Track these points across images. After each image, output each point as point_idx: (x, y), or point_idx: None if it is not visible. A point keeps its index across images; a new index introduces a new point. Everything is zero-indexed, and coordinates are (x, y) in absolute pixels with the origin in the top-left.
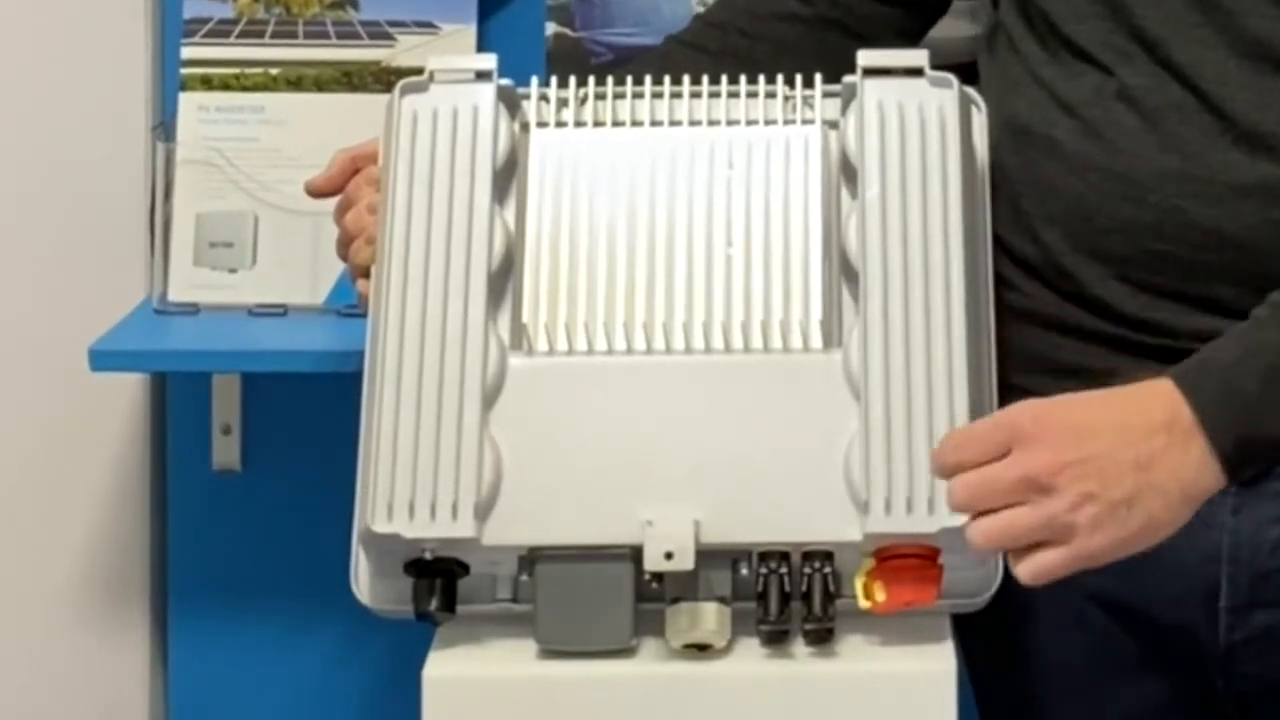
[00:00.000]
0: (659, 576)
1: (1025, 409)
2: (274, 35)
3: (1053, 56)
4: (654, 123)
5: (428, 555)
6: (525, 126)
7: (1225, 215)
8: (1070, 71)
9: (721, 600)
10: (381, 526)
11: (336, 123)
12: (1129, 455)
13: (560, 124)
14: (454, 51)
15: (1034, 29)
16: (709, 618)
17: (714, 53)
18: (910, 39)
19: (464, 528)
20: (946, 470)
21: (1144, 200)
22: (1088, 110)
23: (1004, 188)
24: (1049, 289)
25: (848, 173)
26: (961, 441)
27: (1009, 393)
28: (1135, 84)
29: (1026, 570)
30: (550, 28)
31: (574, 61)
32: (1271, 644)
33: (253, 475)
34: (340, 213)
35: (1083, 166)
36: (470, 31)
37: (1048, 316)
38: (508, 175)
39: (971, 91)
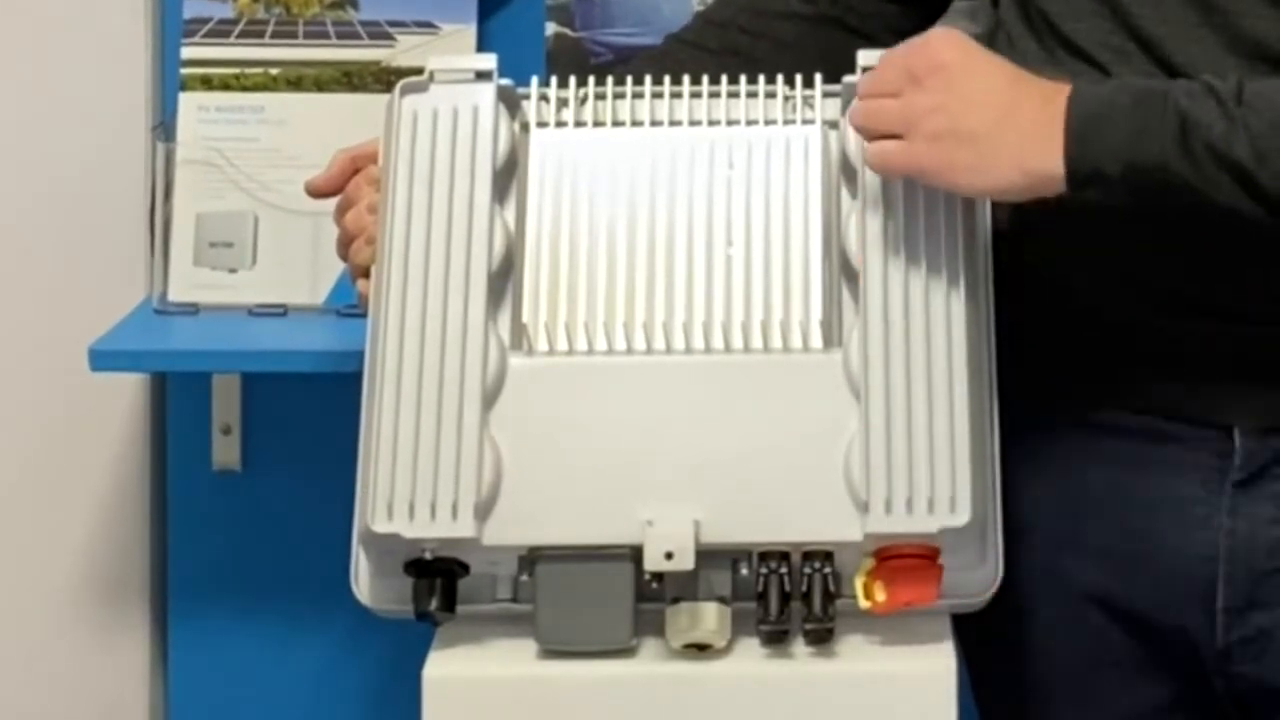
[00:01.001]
0: (659, 576)
1: (944, 29)
2: (274, 35)
3: (1051, 56)
4: (654, 123)
5: (428, 555)
6: (525, 126)
7: None
8: (1068, 71)
9: (721, 600)
10: (381, 526)
11: (336, 123)
12: (997, 100)
13: (560, 124)
14: (454, 51)
15: (1033, 28)
16: (709, 618)
17: (715, 51)
18: (910, 38)
19: (464, 528)
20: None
21: None
22: None
23: None
24: (1043, 291)
25: (848, 173)
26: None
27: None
28: None
29: (869, 152)
30: (550, 28)
31: (574, 61)
32: (1269, 644)
33: (253, 475)
34: (340, 213)
35: None
36: (470, 31)
37: (1046, 317)
38: (508, 175)
39: None
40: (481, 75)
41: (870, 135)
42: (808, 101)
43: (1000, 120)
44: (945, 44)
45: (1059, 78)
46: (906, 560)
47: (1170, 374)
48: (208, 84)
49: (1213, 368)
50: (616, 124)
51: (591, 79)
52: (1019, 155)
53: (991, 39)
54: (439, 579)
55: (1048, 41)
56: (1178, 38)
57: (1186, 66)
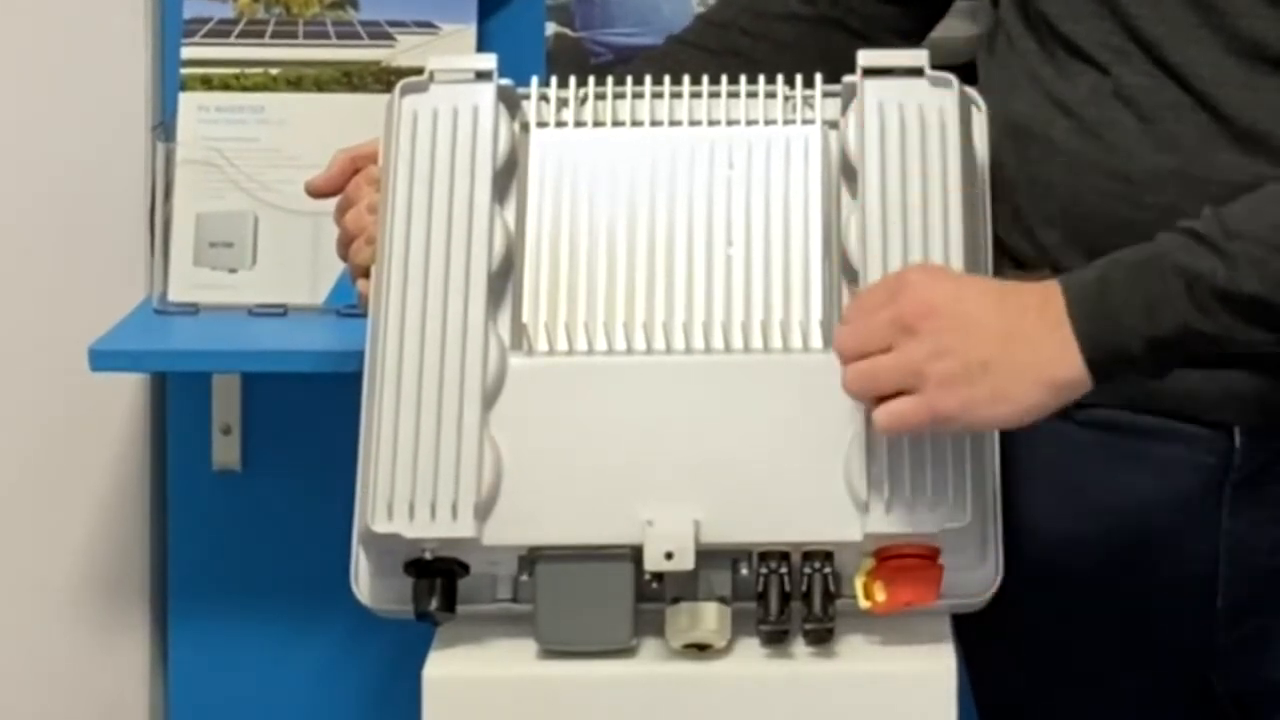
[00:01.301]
0: (659, 576)
1: (903, 272)
2: (274, 35)
3: (1050, 56)
4: (654, 123)
5: (428, 555)
6: (525, 126)
7: None
8: (1067, 71)
9: (721, 600)
10: (381, 526)
11: (336, 123)
12: (996, 323)
13: (560, 124)
14: (454, 51)
15: (1032, 28)
16: (709, 618)
17: (715, 52)
18: (911, 39)
19: (464, 528)
20: (841, 346)
21: (1141, 200)
22: (1085, 110)
23: (1002, 187)
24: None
25: (848, 173)
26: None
27: None
28: (1132, 84)
29: (881, 415)
30: (550, 28)
31: (574, 61)
32: (1269, 644)
33: (253, 475)
34: (340, 213)
35: (1080, 166)
36: (470, 31)
37: None
38: (508, 175)
39: (971, 91)
40: (481, 75)
41: (872, 397)
42: (808, 101)
43: (1006, 342)
44: (926, 284)
45: (1058, 78)
46: (906, 560)
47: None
48: (208, 84)
49: (1212, 368)
50: (616, 124)
51: (591, 79)
52: (1037, 371)
53: (991, 39)
54: (439, 579)
55: (1047, 42)
56: (1177, 38)
57: (1185, 67)
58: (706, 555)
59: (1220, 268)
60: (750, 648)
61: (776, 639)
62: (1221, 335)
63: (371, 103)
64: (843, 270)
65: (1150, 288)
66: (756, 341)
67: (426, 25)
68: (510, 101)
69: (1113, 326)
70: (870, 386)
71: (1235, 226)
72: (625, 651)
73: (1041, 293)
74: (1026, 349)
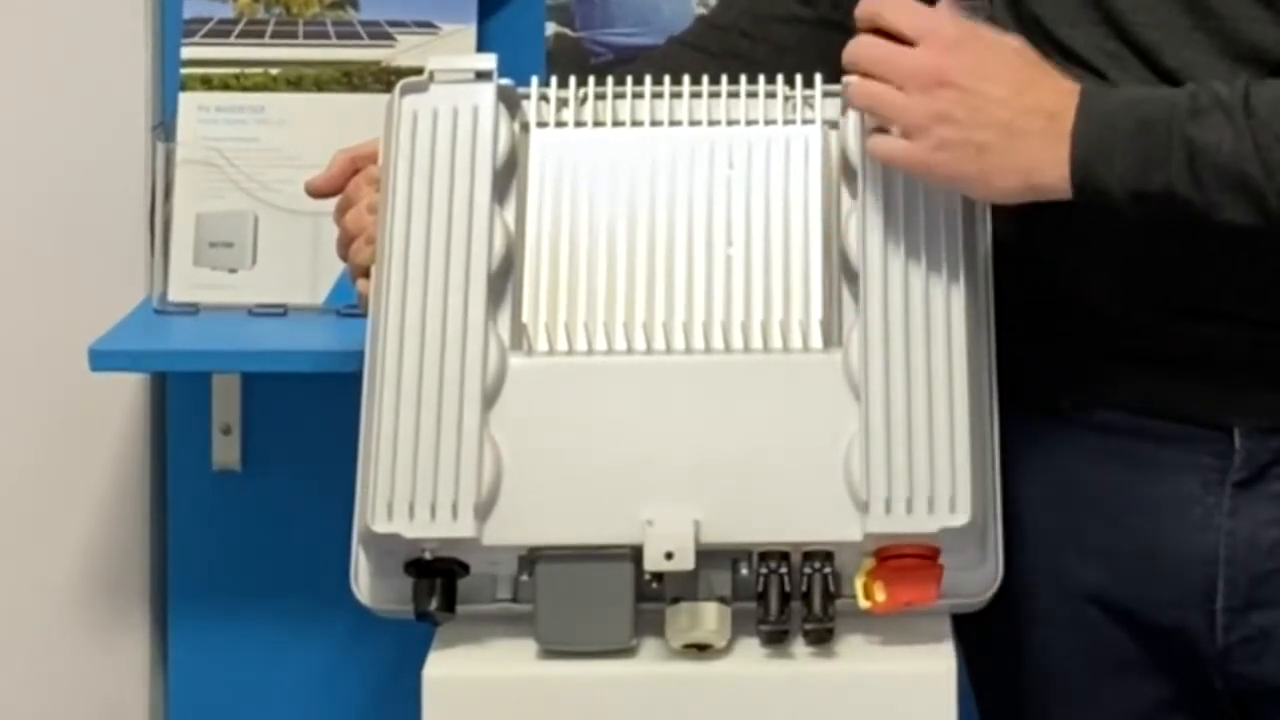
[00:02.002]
0: (659, 576)
1: (956, 21)
2: (274, 35)
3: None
4: (654, 123)
5: (428, 555)
6: (525, 126)
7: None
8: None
9: (721, 600)
10: (381, 526)
11: (336, 123)
12: (1005, 115)
13: (560, 124)
14: (454, 51)
15: (1026, 31)
16: (709, 618)
17: (716, 54)
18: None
19: (464, 528)
20: (865, 17)
21: None
22: None
23: None
24: (1048, 298)
25: (848, 173)
26: (891, 4)
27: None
28: None
29: (872, 144)
30: (550, 28)
31: (574, 61)
32: (1268, 645)
33: (253, 475)
34: (340, 213)
35: None
36: (470, 31)
37: (1046, 317)
38: (508, 175)
39: None
40: (481, 75)
41: (870, 116)
42: (808, 102)
43: (1009, 131)
44: (957, 46)
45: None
46: (906, 560)
47: (1170, 375)
48: (208, 84)
49: (1212, 368)
50: (616, 124)
51: (591, 79)
52: (1025, 168)
53: None
54: (439, 579)
55: (1042, 47)
56: (1172, 43)
57: (1181, 72)
58: (706, 555)
59: (1227, 140)
60: (750, 648)
61: (776, 639)
62: (1202, 207)
63: (371, 103)
64: (843, 270)
65: (1152, 146)
66: (756, 341)
67: (426, 25)
68: (510, 101)
69: (1105, 167)
70: (873, 107)
71: (1257, 106)
72: (625, 651)
73: (1058, 99)
74: (1024, 147)
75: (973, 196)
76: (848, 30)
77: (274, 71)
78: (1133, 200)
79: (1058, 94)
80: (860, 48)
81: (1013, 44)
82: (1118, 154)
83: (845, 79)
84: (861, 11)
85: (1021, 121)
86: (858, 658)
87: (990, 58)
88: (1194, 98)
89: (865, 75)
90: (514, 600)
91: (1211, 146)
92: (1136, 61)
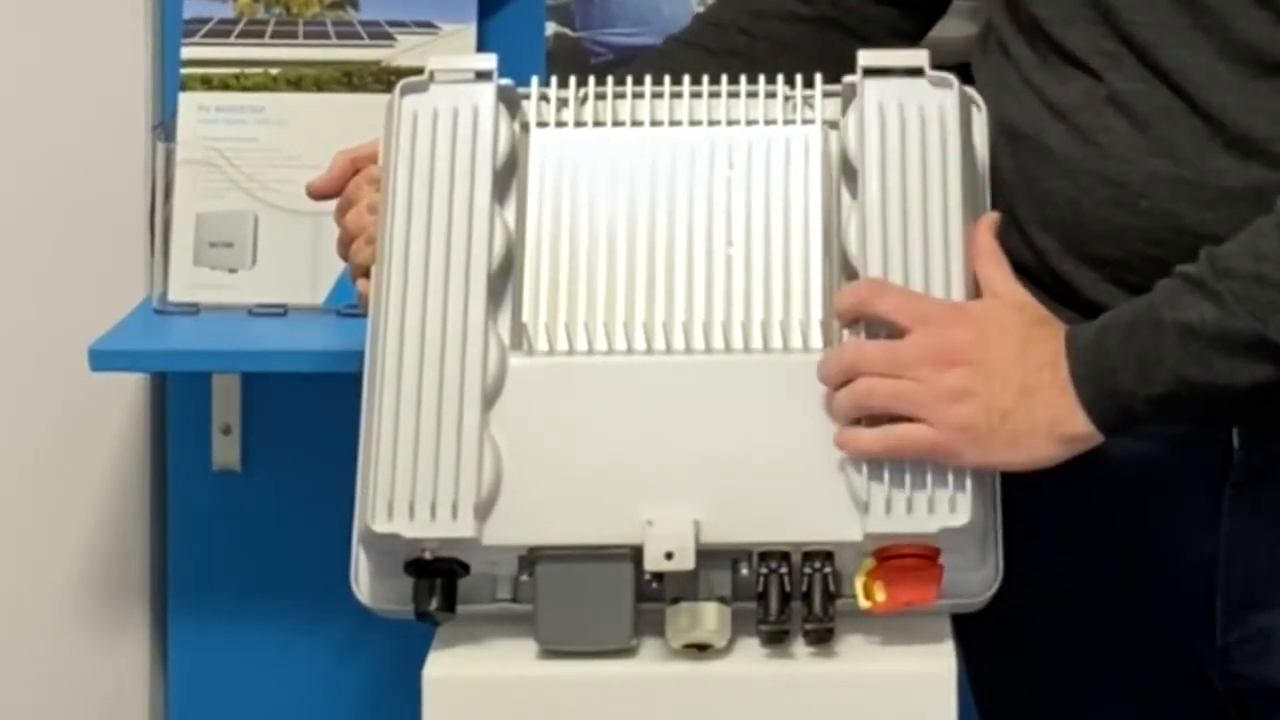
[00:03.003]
0: (659, 576)
1: (936, 300)
2: (274, 35)
3: (1043, 61)
4: (654, 123)
5: (428, 555)
6: (525, 126)
7: (1217, 219)
8: (1060, 76)
9: (721, 600)
10: (381, 526)
11: (336, 123)
12: (1018, 377)
13: (560, 124)
14: (454, 51)
15: (1024, 32)
16: (709, 618)
17: (714, 52)
18: (911, 39)
19: (464, 528)
20: (848, 309)
21: (1136, 205)
22: (1078, 115)
23: (999, 191)
24: (1044, 293)
25: (848, 173)
26: (877, 292)
27: None
28: (1125, 89)
29: (895, 443)
30: (550, 28)
31: (574, 61)
32: (1268, 645)
33: (253, 475)
34: (340, 213)
35: (1074, 171)
36: (470, 31)
37: None
38: (508, 175)
39: (972, 91)
40: (481, 75)
41: (859, 415)
42: (808, 101)
43: (1025, 392)
44: (955, 322)
45: (1051, 83)
46: (906, 560)
47: None
48: (208, 84)
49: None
50: (616, 124)
51: (591, 79)
52: (1050, 426)
53: (984, 41)
54: (439, 579)
55: (1039, 47)
56: (1170, 43)
57: (1178, 72)
58: (706, 555)
59: (1210, 310)
60: (750, 648)
61: (776, 639)
62: (1220, 381)
63: (371, 103)
64: (843, 270)
65: (1143, 347)
66: (756, 341)
67: (426, 25)
68: (510, 101)
69: (1111, 390)
70: (888, 406)
71: (1225, 264)
72: (625, 651)
73: (1055, 349)
74: (1042, 405)
75: (1010, 470)
76: (846, 27)
77: (274, 71)
78: (1153, 407)
79: (1055, 341)
80: (861, 352)
81: (1005, 304)
82: (1118, 371)
83: (846, 78)
84: (843, 304)
85: (1033, 380)
86: (858, 658)
87: (989, 324)
88: (1164, 287)
89: (856, 374)
90: (514, 600)
91: (1196, 321)
92: (1134, 61)
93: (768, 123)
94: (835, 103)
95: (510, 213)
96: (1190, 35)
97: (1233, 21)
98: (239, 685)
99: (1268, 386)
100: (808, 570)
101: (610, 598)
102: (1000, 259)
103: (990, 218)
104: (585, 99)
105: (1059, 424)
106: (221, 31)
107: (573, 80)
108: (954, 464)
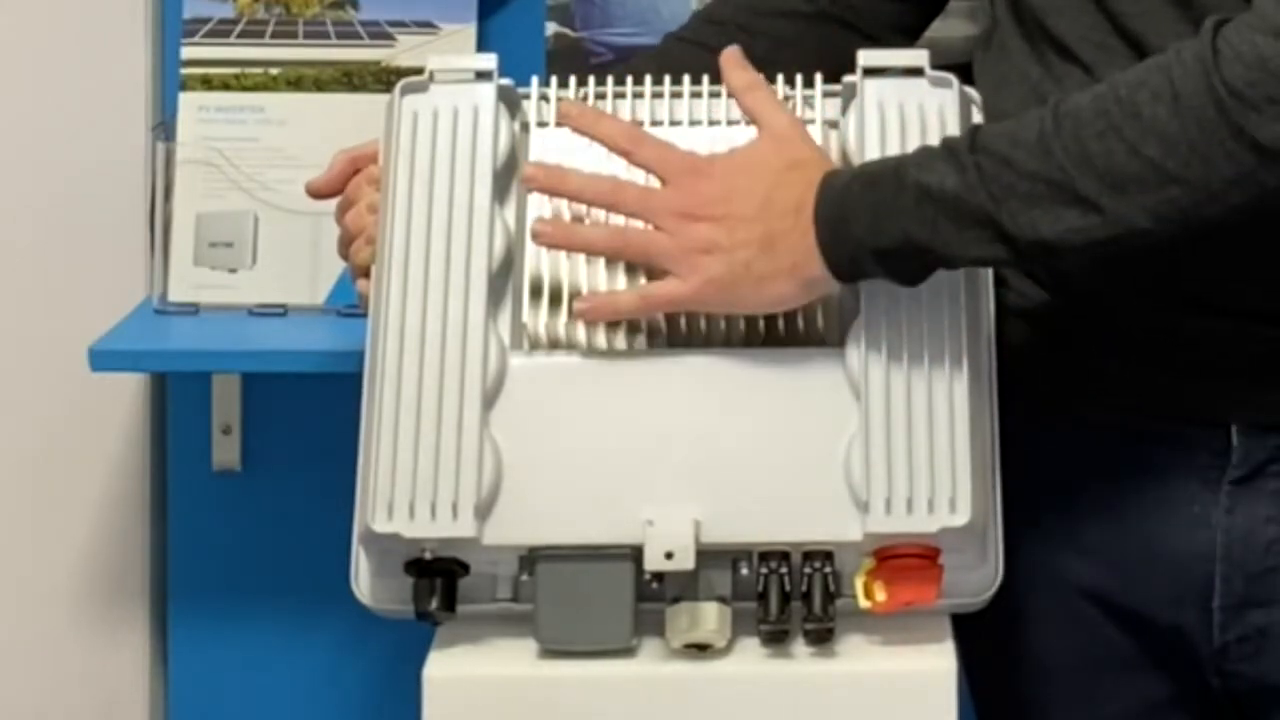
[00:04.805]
0: (659, 576)
1: (689, 154)
2: (274, 35)
3: (1039, 56)
4: (654, 123)
5: (428, 555)
6: (525, 126)
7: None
8: (1055, 72)
9: (721, 600)
10: (381, 526)
11: (336, 123)
12: (760, 227)
13: (560, 124)
14: (454, 51)
15: (1023, 25)
16: (709, 618)
17: (714, 49)
18: (910, 35)
19: (464, 528)
20: (613, 146)
21: None
22: None
23: None
24: (1037, 283)
25: None
26: (635, 142)
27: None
28: None
29: (645, 298)
30: (550, 28)
31: (574, 61)
32: (1266, 643)
33: (253, 475)
34: (340, 212)
35: None
36: (470, 31)
37: (1044, 317)
38: (508, 175)
39: (971, 91)
40: (481, 75)
41: (620, 257)
42: (807, 101)
43: (767, 240)
44: (701, 175)
45: (1046, 79)
46: (906, 560)
47: (1167, 372)
48: (208, 84)
49: (1210, 365)
50: None
51: (591, 79)
52: (789, 268)
53: (988, 38)
54: (439, 579)
55: (1037, 41)
56: (1158, 33)
57: None
58: (707, 555)
59: (952, 179)
60: (750, 648)
61: (776, 639)
62: (943, 250)
63: (371, 103)
64: None
65: (880, 200)
66: (757, 341)
67: (426, 25)
68: (510, 101)
69: (844, 236)
70: (641, 256)
71: (983, 142)
72: (625, 651)
73: (803, 192)
74: (785, 250)
75: (753, 312)
76: (845, 24)
77: (274, 71)
78: (877, 259)
79: (805, 186)
80: (621, 191)
81: (762, 145)
82: (853, 218)
83: (846, 78)
84: (615, 141)
85: (775, 226)
86: (858, 658)
87: (736, 176)
88: (923, 150)
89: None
90: (514, 600)
91: (935, 186)
92: (1125, 51)
93: None
94: (835, 102)
95: (510, 213)
96: (1178, 26)
97: (1219, 13)
98: (239, 685)
99: (994, 263)
100: (808, 570)
101: (610, 597)
102: (766, 89)
103: (730, 53)
104: (585, 99)
105: (800, 267)
106: (221, 31)
107: (573, 80)
108: (704, 311)
